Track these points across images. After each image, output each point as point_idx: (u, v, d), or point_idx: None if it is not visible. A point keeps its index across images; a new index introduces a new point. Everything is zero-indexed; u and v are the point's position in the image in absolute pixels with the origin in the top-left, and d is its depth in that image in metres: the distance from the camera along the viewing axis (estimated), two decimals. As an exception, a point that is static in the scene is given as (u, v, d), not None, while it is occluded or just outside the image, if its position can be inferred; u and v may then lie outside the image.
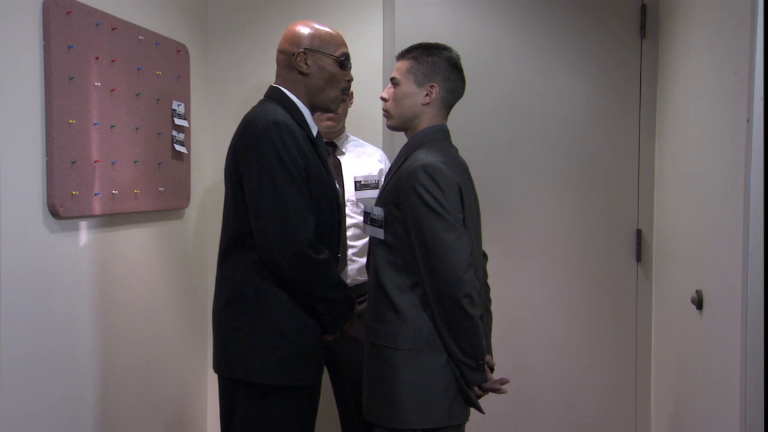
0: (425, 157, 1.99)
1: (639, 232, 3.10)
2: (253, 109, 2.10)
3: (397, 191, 2.01)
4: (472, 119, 3.10)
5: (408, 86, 2.10)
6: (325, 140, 2.69)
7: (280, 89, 2.12)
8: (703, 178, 2.31)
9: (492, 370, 2.11)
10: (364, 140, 2.86)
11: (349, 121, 2.80)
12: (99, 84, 2.30)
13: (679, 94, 2.67)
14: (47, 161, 2.09)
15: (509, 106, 3.13)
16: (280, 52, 2.15)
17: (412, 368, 1.98)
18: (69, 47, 2.15)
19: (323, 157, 2.15)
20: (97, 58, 2.29)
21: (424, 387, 1.98)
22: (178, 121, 2.81)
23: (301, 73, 2.10)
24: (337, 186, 2.26)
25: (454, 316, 1.94)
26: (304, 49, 2.10)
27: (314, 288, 2.03)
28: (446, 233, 1.92)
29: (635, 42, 3.07)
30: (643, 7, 3.06)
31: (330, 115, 2.63)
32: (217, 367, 2.12)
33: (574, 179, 3.13)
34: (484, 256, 2.31)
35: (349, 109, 2.80)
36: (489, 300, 2.29)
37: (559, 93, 3.12)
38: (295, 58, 2.10)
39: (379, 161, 2.77)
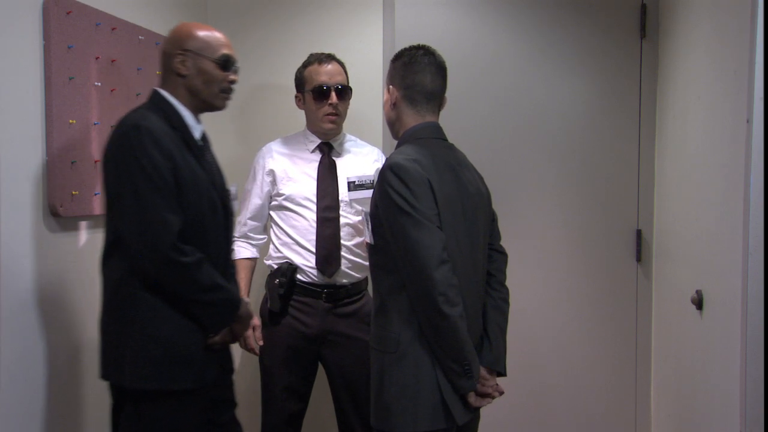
0: (395, 156, 2.01)
1: (639, 232, 3.10)
2: (126, 114, 2.05)
3: (376, 194, 2.04)
4: (472, 119, 3.10)
5: (385, 95, 2.19)
6: (321, 141, 2.70)
7: (158, 92, 2.09)
8: (703, 178, 2.31)
9: (500, 393, 2.08)
10: (363, 140, 2.86)
11: (348, 121, 2.79)
12: (99, 84, 2.30)
13: (679, 94, 2.67)
14: (47, 161, 2.09)
15: (509, 106, 3.13)
16: (161, 53, 2.12)
17: (398, 372, 1.97)
18: (69, 47, 2.15)
19: (202, 157, 2.09)
20: (97, 58, 2.30)
21: (407, 391, 1.96)
22: (178, 121, 2.80)
23: (180, 75, 2.07)
24: (229, 187, 2.21)
25: (431, 316, 1.92)
26: (182, 51, 2.06)
27: (183, 291, 1.96)
28: (415, 231, 1.91)
29: (635, 42, 3.07)
30: (643, 7, 3.06)
31: (332, 117, 2.63)
32: (100, 372, 2.06)
33: (574, 179, 3.13)
34: (503, 253, 2.28)
35: (348, 109, 2.79)
36: (506, 302, 2.22)
37: (559, 93, 3.12)
38: (173, 60, 2.07)
39: (376, 161, 2.77)
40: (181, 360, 1.97)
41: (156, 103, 2.06)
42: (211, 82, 2.08)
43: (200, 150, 2.10)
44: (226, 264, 2.16)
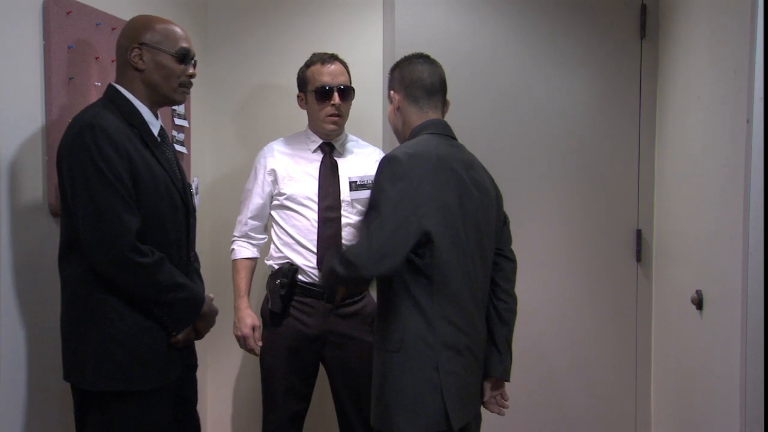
0: (394, 149, 2.02)
1: (639, 232, 3.10)
2: (81, 111, 2.02)
3: None
4: (472, 119, 3.10)
5: (388, 106, 2.20)
6: (323, 141, 2.70)
7: (114, 87, 2.03)
8: (703, 178, 2.31)
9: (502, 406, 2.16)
10: (364, 140, 2.86)
11: (349, 121, 2.79)
12: (99, 84, 2.30)
13: (679, 94, 2.67)
14: (47, 161, 2.09)
15: (509, 106, 3.13)
16: (117, 47, 2.07)
17: (399, 372, 1.96)
18: (69, 47, 2.15)
19: (161, 153, 2.05)
20: (97, 58, 2.30)
21: (408, 392, 1.95)
22: (178, 121, 2.81)
23: (137, 69, 2.00)
24: (190, 182, 2.14)
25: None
26: (139, 44, 2.01)
27: (144, 292, 1.93)
28: (381, 219, 1.91)
29: (635, 42, 3.07)
30: (643, 8, 3.06)
31: (334, 118, 2.63)
32: (63, 374, 2.03)
33: (574, 179, 3.13)
34: (512, 260, 2.27)
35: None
36: (512, 312, 2.24)
37: (559, 93, 3.12)
38: (129, 54, 2.01)
39: (377, 161, 2.76)
40: (142, 360, 1.94)
41: (112, 99, 2.00)
42: (169, 76, 2.03)
43: (158, 146, 2.05)
44: (188, 261, 2.13)
